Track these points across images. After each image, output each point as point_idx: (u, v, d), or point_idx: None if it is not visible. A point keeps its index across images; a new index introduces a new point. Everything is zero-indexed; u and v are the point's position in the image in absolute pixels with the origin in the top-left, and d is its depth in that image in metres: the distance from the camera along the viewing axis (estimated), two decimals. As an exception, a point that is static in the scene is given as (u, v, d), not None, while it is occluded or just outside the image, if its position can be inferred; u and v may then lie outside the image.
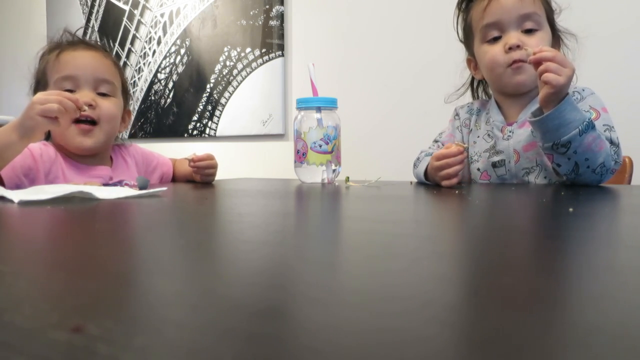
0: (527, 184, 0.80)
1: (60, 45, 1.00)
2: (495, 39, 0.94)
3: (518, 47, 0.91)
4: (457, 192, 0.74)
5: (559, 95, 0.78)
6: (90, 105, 0.93)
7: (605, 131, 0.84)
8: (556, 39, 0.96)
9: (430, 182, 0.94)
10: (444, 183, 0.86)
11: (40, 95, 0.80)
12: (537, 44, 0.89)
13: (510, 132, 0.97)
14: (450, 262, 0.26)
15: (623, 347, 0.13)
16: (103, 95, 0.98)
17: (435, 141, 1.11)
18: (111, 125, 0.98)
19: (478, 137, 1.04)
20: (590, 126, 0.77)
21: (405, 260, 0.25)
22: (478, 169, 1.02)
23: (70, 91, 0.94)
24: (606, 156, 0.80)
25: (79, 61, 0.96)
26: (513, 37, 0.92)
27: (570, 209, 0.51)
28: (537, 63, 0.78)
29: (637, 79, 1.45)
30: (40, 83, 0.98)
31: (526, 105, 0.97)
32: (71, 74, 0.94)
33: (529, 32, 0.92)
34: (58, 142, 0.99)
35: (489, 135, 1.01)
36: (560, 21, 0.98)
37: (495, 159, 0.98)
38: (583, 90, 0.92)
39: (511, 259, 0.26)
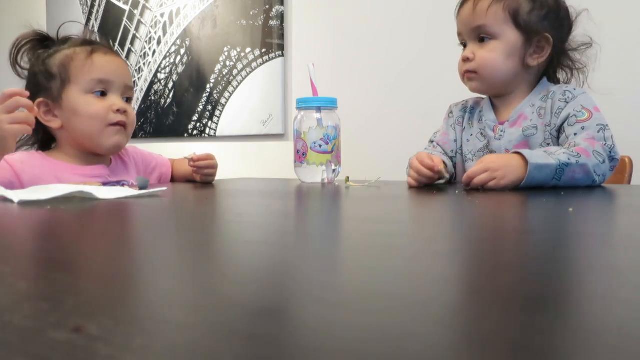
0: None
1: (81, 44, 0.99)
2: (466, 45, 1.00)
3: (469, 59, 0.96)
4: (456, 192, 0.74)
5: (514, 183, 0.77)
6: (125, 112, 0.98)
7: (599, 131, 0.83)
8: (530, 38, 0.93)
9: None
10: (408, 181, 0.88)
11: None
12: (485, 55, 0.94)
13: (501, 131, 0.97)
14: (450, 262, 0.26)
15: (623, 346, 0.13)
16: (127, 100, 1.01)
17: (431, 141, 1.10)
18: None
19: (471, 135, 1.04)
20: (563, 167, 0.77)
21: (405, 260, 0.25)
22: None
23: (103, 94, 0.96)
24: (594, 167, 0.79)
25: (113, 66, 0.99)
26: (467, 49, 0.98)
27: (570, 209, 0.51)
28: (470, 181, 0.78)
29: (637, 78, 1.45)
30: (60, 77, 0.96)
31: (519, 103, 0.97)
32: (106, 79, 0.97)
33: (483, 40, 0.95)
34: (82, 143, 0.98)
35: (481, 134, 1.01)
36: (578, 24, 0.97)
37: None
38: (574, 89, 0.91)
39: (511, 258, 0.26)
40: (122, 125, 0.97)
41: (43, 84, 0.97)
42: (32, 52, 1.01)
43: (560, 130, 0.89)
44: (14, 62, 1.00)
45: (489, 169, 0.76)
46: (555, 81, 0.99)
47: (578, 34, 0.98)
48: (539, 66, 0.96)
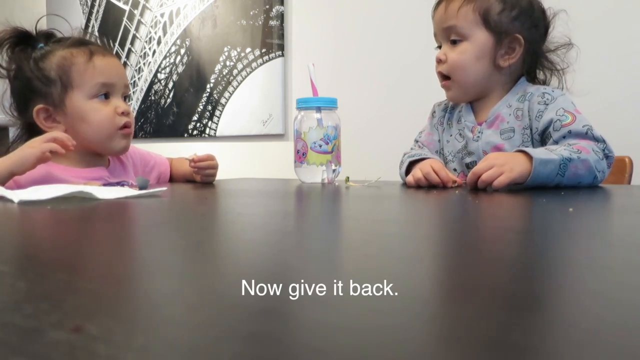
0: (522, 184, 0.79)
1: (77, 45, 0.97)
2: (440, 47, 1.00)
3: (440, 61, 0.97)
4: (457, 192, 0.74)
5: (521, 176, 0.75)
6: (128, 113, 0.98)
7: (587, 132, 0.82)
8: (501, 39, 0.92)
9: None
10: (408, 179, 0.88)
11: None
12: (455, 57, 0.94)
13: (479, 132, 0.96)
14: (450, 262, 0.26)
15: (623, 346, 0.13)
16: (125, 99, 1.01)
17: (416, 141, 1.10)
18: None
19: (451, 135, 1.03)
20: (566, 163, 0.76)
21: (404, 260, 0.25)
22: (455, 170, 1.01)
23: (106, 96, 0.96)
24: (595, 163, 0.79)
25: (113, 68, 0.99)
26: (440, 51, 0.98)
27: (570, 209, 0.51)
28: (477, 179, 0.76)
29: (636, 78, 1.45)
30: (61, 83, 0.94)
31: (496, 103, 0.96)
32: (110, 82, 0.97)
33: (455, 42, 0.95)
34: (87, 147, 0.97)
35: (460, 134, 1.01)
36: (557, 25, 0.96)
37: (468, 160, 0.98)
38: (553, 91, 0.90)
39: (510, 258, 0.26)
40: (128, 127, 0.98)
41: (40, 89, 0.94)
42: (12, 50, 0.97)
43: (544, 134, 0.89)
44: None
45: (495, 165, 0.75)
46: (535, 81, 0.98)
47: (556, 35, 0.96)
48: (511, 67, 0.94)
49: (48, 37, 1.00)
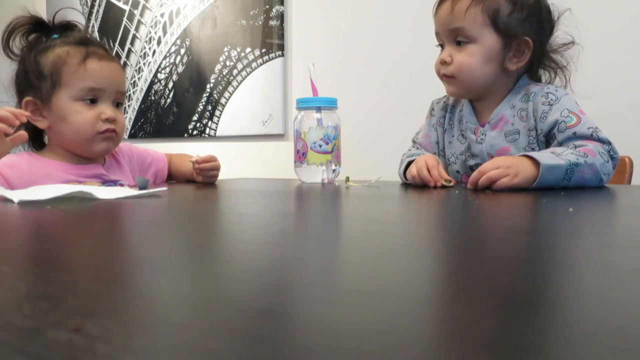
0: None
1: (76, 44, 0.96)
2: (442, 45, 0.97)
3: (445, 62, 0.94)
4: (456, 192, 0.74)
5: (526, 181, 0.75)
6: (114, 120, 0.97)
7: (592, 134, 0.82)
8: (509, 42, 0.90)
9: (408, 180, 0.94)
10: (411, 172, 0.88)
11: None
12: (463, 60, 0.91)
13: (482, 134, 0.95)
14: (450, 262, 0.26)
15: (623, 346, 0.13)
16: (117, 105, 1.00)
17: (413, 142, 1.08)
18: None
19: (453, 136, 1.02)
20: (573, 168, 0.76)
21: (405, 260, 0.25)
22: (457, 171, 1.00)
23: (93, 101, 0.95)
24: (600, 167, 0.78)
25: (106, 74, 0.97)
26: (444, 52, 0.95)
27: (570, 209, 0.51)
28: (481, 176, 0.76)
29: (636, 79, 1.45)
30: (51, 79, 0.94)
31: (499, 104, 0.95)
32: (98, 87, 0.95)
33: (460, 43, 0.92)
34: (69, 147, 0.97)
35: (462, 136, 0.99)
36: (560, 24, 0.96)
37: (472, 162, 0.96)
38: (556, 90, 0.89)
39: (511, 258, 0.26)
40: (110, 132, 0.96)
41: (33, 82, 0.95)
42: (25, 38, 0.98)
43: (548, 135, 0.88)
44: (6, 46, 0.98)
45: (501, 166, 0.75)
46: (537, 79, 0.96)
47: (559, 34, 0.95)
48: (518, 70, 0.92)
49: (64, 28, 1.01)
